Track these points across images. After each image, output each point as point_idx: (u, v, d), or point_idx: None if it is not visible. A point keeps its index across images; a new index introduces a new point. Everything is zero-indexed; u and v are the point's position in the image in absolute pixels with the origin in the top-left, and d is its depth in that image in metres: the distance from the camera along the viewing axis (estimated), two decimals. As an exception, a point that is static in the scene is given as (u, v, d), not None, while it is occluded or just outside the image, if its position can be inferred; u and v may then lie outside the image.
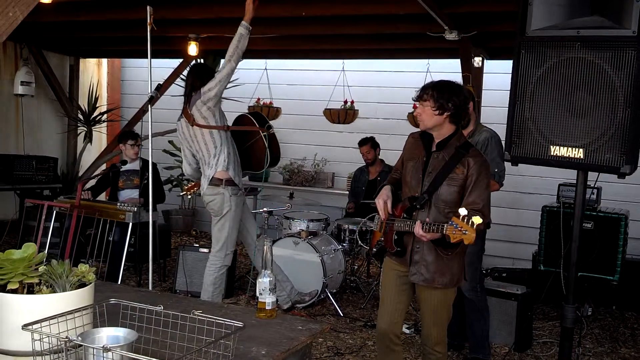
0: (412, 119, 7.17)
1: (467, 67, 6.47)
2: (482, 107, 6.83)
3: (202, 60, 8.32)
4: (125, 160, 6.42)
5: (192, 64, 5.87)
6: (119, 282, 5.61)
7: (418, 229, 3.25)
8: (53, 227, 5.94)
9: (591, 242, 5.64)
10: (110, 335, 1.78)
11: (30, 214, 6.88)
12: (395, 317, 3.57)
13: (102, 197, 6.89)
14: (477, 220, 2.99)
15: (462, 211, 3.03)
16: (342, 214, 7.51)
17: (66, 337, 1.70)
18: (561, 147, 2.71)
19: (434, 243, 3.35)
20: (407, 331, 5.34)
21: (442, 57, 7.47)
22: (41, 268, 1.92)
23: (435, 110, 3.33)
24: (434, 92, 3.34)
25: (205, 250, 6.16)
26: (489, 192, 3.38)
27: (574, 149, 2.67)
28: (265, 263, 2.57)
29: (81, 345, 1.71)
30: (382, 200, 3.53)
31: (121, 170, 6.45)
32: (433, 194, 3.37)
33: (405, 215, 3.43)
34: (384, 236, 3.62)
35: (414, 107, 7.13)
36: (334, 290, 6.17)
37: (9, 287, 1.85)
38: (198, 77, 5.08)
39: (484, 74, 6.88)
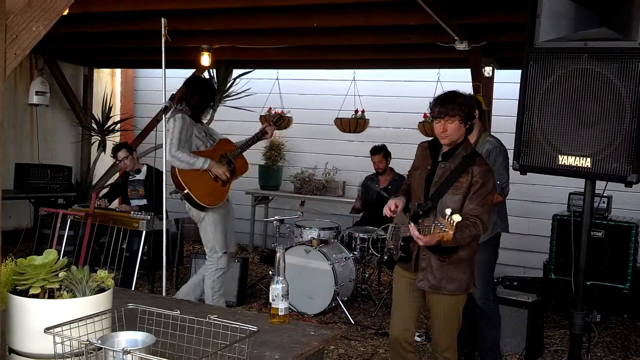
0: (423, 128, 7.21)
1: (477, 76, 6.51)
2: (492, 116, 6.86)
3: (214, 71, 8.42)
4: (139, 169, 6.51)
5: (190, 76, 6.04)
6: (133, 289, 5.67)
7: (414, 231, 3.29)
8: (67, 235, 6.03)
9: (602, 250, 5.65)
10: (129, 338, 1.83)
11: (45, 222, 6.97)
12: (408, 324, 3.60)
13: (115, 204, 6.96)
14: (456, 218, 3.05)
15: (447, 210, 3.10)
16: (353, 222, 7.54)
17: (87, 340, 1.75)
18: (569, 157, 2.75)
19: (429, 249, 3.39)
20: (419, 339, 5.36)
21: (453, 67, 7.51)
22: (61, 274, 1.98)
23: (462, 122, 3.38)
24: (458, 105, 3.37)
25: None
26: (490, 200, 3.42)
27: (581, 158, 2.71)
28: (279, 270, 2.62)
29: (101, 348, 1.76)
30: (393, 202, 3.59)
31: (129, 180, 6.53)
32: (437, 202, 3.41)
33: (411, 222, 3.48)
34: (393, 244, 3.67)
35: (425, 116, 7.23)
36: (345, 299, 6.21)
37: (31, 292, 1.91)
38: (189, 90, 5.22)
39: (494, 84, 6.92)
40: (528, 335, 5.13)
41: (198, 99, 5.16)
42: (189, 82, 5.37)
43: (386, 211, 3.63)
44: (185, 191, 5.01)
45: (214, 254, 5.26)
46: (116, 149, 6.67)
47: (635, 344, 5.72)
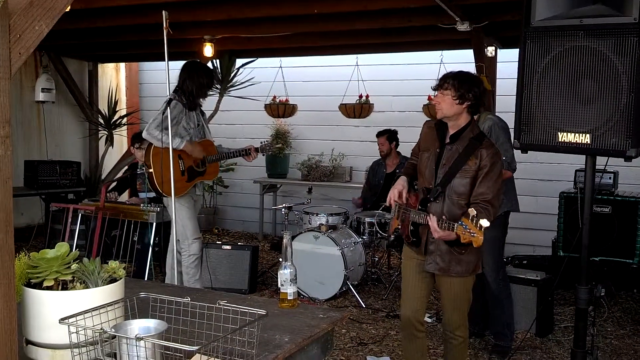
0: (428, 110, 7.22)
1: (480, 57, 6.50)
2: (497, 96, 6.86)
3: (218, 62, 8.43)
4: (147, 163, 6.56)
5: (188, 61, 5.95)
6: (146, 279, 5.74)
7: (433, 223, 3.31)
8: (79, 229, 6.09)
9: (610, 226, 5.67)
10: (141, 326, 1.88)
11: (56, 217, 7.03)
12: (418, 304, 3.64)
13: (125, 197, 7.02)
14: (484, 223, 3.04)
15: (472, 211, 3.08)
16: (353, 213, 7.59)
17: (101, 329, 1.80)
18: (568, 134, 2.78)
19: (447, 243, 3.41)
20: (429, 320, 5.41)
21: (455, 48, 7.50)
22: (74, 266, 2.03)
23: (456, 99, 3.39)
24: (455, 81, 3.39)
25: (228, 247, 6.28)
26: (499, 183, 3.42)
27: (580, 134, 2.73)
28: (286, 256, 2.66)
29: (115, 337, 1.81)
30: (397, 191, 3.61)
31: (138, 173, 6.57)
32: (446, 186, 3.43)
33: (420, 207, 3.50)
34: (401, 224, 3.70)
35: (429, 98, 7.24)
36: (356, 283, 6.26)
37: (45, 284, 1.95)
38: (182, 75, 5.24)
39: (497, 63, 6.91)
40: (538, 313, 5.17)
41: (189, 83, 5.15)
42: (182, 67, 5.33)
43: (390, 202, 3.66)
44: (151, 170, 5.07)
45: (185, 240, 5.29)
46: (137, 136, 6.66)
47: (646, 318, 5.75)
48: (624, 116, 2.61)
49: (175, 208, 5.06)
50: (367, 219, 6.47)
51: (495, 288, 4.74)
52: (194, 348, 1.68)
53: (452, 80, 3.40)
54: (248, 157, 5.32)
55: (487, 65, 6.45)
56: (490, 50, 6.58)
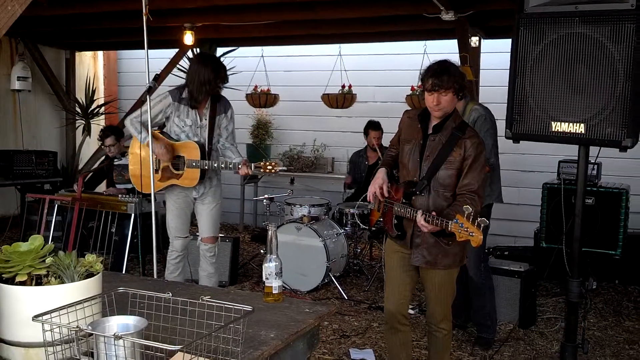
0: (411, 100, 7.16)
1: (464, 47, 6.45)
2: (480, 87, 6.82)
3: (198, 50, 8.30)
4: (125, 152, 6.43)
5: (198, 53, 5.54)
6: (123, 273, 5.63)
7: (420, 219, 3.24)
8: (55, 220, 5.96)
9: (593, 217, 5.65)
10: (120, 323, 1.79)
11: (32, 208, 6.89)
12: (402, 298, 3.59)
13: (102, 188, 6.88)
14: (483, 222, 2.98)
15: (467, 209, 3.00)
16: (343, 198, 7.50)
17: (77, 327, 1.71)
18: (562, 123, 2.72)
19: (434, 234, 3.35)
20: (412, 312, 5.37)
21: (439, 38, 7.44)
22: (48, 260, 1.93)
23: (455, 95, 3.31)
24: (452, 77, 3.27)
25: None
26: (484, 173, 3.38)
27: (575, 124, 2.68)
28: (271, 248, 2.58)
29: (92, 334, 1.72)
30: (378, 185, 3.53)
31: (114, 164, 6.44)
32: (432, 179, 3.37)
33: (404, 201, 3.43)
34: (382, 217, 3.63)
35: (412, 89, 7.17)
36: (338, 274, 6.20)
37: (18, 279, 1.86)
38: (194, 67, 4.77)
39: (481, 54, 6.87)
40: (521, 304, 5.15)
41: (192, 77, 4.71)
42: (191, 59, 5.06)
43: (370, 197, 3.59)
44: (129, 158, 4.93)
45: (170, 235, 5.05)
46: (104, 133, 6.55)
47: (628, 309, 5.75)
48: (619, 105, 2.55)
49: (166, 200, 4.96)
50: (350, 210, 6.41)
51: (477, 280, 4.71)
52: (177, 347, 1.59)
53: (447, 77, 3.25)
54: (239, 171, 4.64)
55: (471, 56, 6.40)
56: (474, 41, 6.54)
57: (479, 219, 2.98)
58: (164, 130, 4.90)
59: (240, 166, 4.60)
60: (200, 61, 4.79)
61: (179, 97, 4.75)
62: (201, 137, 4.79)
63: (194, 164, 4.70)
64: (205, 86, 4.66)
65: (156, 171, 4.81)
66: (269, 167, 4.55)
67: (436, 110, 3.35)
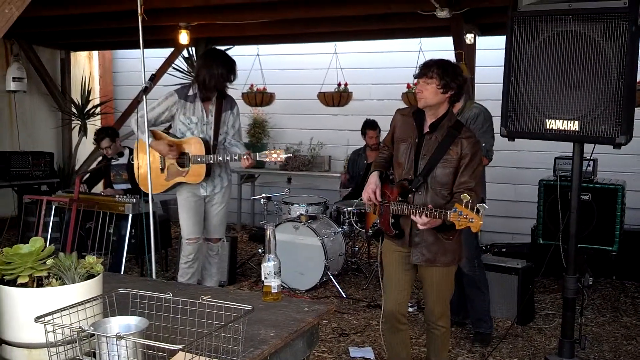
0: (407, 98, 7.17)
1: (459, 44, 6.46)
2: (475, 84, 6.83)
3: (193, 49, 8.30)
4: (122, 152, 6.43)
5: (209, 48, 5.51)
6: (122, 274, 5.64)
7: (418, 219, 3.25)
8: (53, 222, 5.96)
9: (589, 213, 5.67)
10: (121, 323, 1.80)
11: (29, 209, 6.89)
12: (401, 297, 3.60)
13: (99, 188, 6.87)
14: (482, 207, 3.00)
15: (465, 197, 3.02)
16: (341, 196, 7.51)
17: (79, 328, 1.72)
18: (557, 121, 2.73)
19: (434, 229, 3.36)
20: (411, 309, 5.38)
21: (434, 36, 7.45)
22: (49, 261, 1.94)
23: (440, 88, 3.31)
24: (440, 70, 3.31)
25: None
26: (480, 171, 3.40)
27: (569, 121, 2.69)
28: (269, 248, 2.59)
29: (94, 335, 1.73)
30: (371, 190, 3.55)
31: (112, 164, 6.44)
32: (428, 177, 3.38)
33: (400, 199, 3.45)
34: (379, 218, 3.64)
35: (408, 86, 7.19)
36: (336, 273, 6.21)
37: (19, 281, 1.86)
38: (204, 63, 4.85)
39: (476, 51, 6.89)
40: (519, 301, 5.17)
41: (202, 73, 4.77)
42: (200, 54, 5.07)
43: (366, 201, 3.60)
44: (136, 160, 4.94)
45: (182, 238, 5.05)
46: (99, 135, 6.52)
47: (625, 305, 5.78)
48: (613, 102, 2.57)
49: (179, 201, 4.97)
50: (347, 209, 6.42)
51: (472, 276, 4.73)
52: (178, 347, 1.61)
53: (436, 69, 3.31)
54: (243, 161, 4.65)
55: (466, 53, 6.42)
56: (469, 38, 6.54)
57: (477, 205, 3.00)
58: (170, 131, 4.95)
59: (245, 156, 4.66)
60: (212, 55, 4.88)
61: (185, 94, 4.83)
62: (207, 134, 4.86)
63: (198, 159, 4.77)
64: (219, 81, 4.76)
65: (162, 170, 4.85)
66: (274, 155, 4.62)
67: (419, 100, 3.38)
